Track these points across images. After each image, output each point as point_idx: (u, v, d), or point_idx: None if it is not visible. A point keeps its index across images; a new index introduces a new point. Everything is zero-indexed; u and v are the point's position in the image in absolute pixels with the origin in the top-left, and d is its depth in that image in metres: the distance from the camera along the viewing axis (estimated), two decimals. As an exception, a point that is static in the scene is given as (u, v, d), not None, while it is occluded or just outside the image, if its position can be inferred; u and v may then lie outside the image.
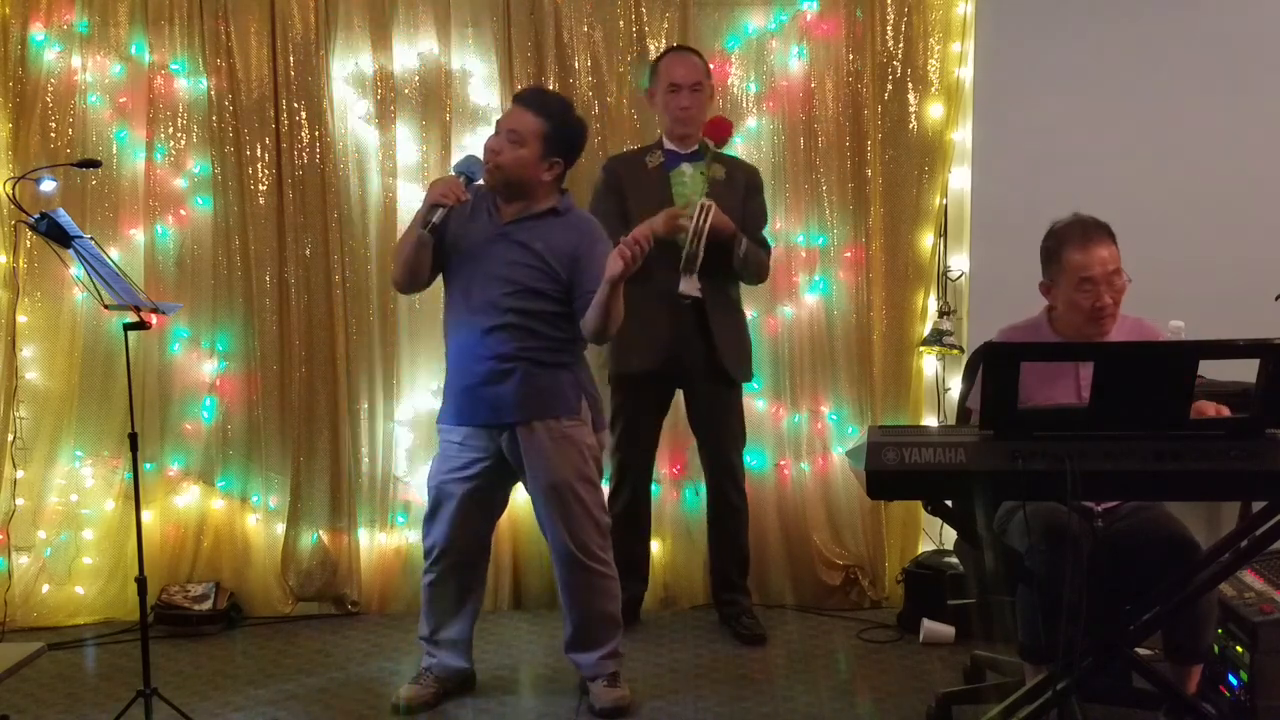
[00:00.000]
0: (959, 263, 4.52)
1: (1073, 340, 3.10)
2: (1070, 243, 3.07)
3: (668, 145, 4.04)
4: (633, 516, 4.16)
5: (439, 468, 3.51)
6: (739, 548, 4.20)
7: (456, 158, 3.79)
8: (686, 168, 3.99)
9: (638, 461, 4.12)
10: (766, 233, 4.16)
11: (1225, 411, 2.86)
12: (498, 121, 3.47)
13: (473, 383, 3.39)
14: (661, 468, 4.42)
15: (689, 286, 3.83)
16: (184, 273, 4.48)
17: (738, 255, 3.91)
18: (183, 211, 4.49)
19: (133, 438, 3.34)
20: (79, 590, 4.45)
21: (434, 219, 3.29)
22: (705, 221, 3.75)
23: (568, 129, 3.41)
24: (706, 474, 4.21)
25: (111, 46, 4.43)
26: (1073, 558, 2.68)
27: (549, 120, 3.35)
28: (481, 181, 3.42)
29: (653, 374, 3.99)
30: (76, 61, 4.41)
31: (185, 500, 4.53)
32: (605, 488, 4.32)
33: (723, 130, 4.01)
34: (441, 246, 3.44)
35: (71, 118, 4.41)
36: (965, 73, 4.44)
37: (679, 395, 4.19)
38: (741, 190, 4.03)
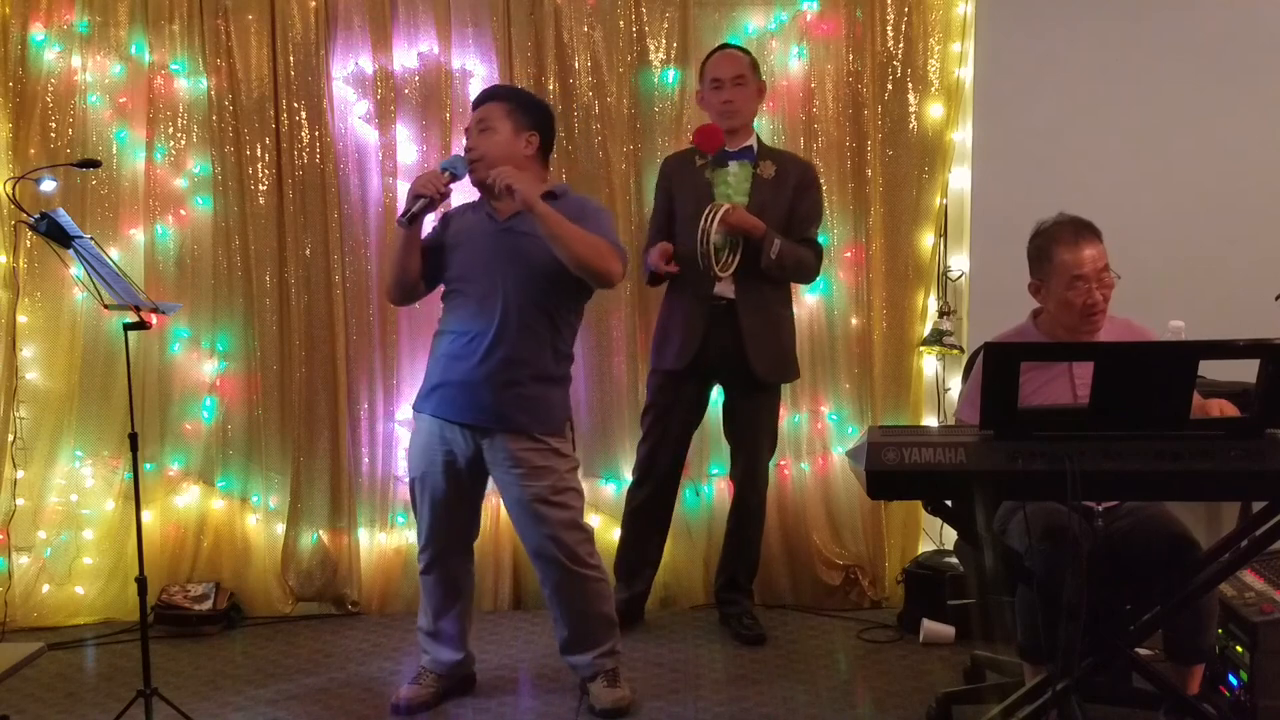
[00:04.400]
0: (959, 263, 4.52)
1: (1061, 341, 3.11)
2: (1060, 242, 3.09)
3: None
4: (652, 513, 4.16)
5: (418, 459, 3.49)
6: (750, 553, 4.20)
7: (456, 158, 3.80)
8: (731, 165, 3.98)
9: (665, 458, 4.10)
10: (822, 236, 4.13)
11: (1231, 409, 2.86)
12: (465, 130, 3.49)
13: (472, 380, 3.37)
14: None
15: (722, 288, 3.89)
16: (184, 273, 4.48)
17: (767, 255, 3.86)
18: (183, 211, 4.49)
19: (133, 438, 3.34)
20: (79, 590, 4.45)
21: (415, 209, 3.29)
22: (712, 223, 3.76)
23: (530, 100, 3.51)
24: (732, 475, 4.21)
25: (111, 46, 4.43)
26: (1073, 558, 2.68)
27: (508, 99, 3.45)
28: (467, 178, 3.42)
29: (686, 372, 3.98)
30: (76, 61, 4.42)
31: (185, 500, 4.53)
32: (609, 486, 4.36)
33: (709, 140, 3.94)
34: (436, 252, 3.44)
35: (71, 118, 4.41)
36: (965, 73, 4.44)
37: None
38: (790, 189, 3.99)
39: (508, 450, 3.36)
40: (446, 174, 3.35)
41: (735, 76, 3.96)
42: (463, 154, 3.44)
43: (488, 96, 3.49)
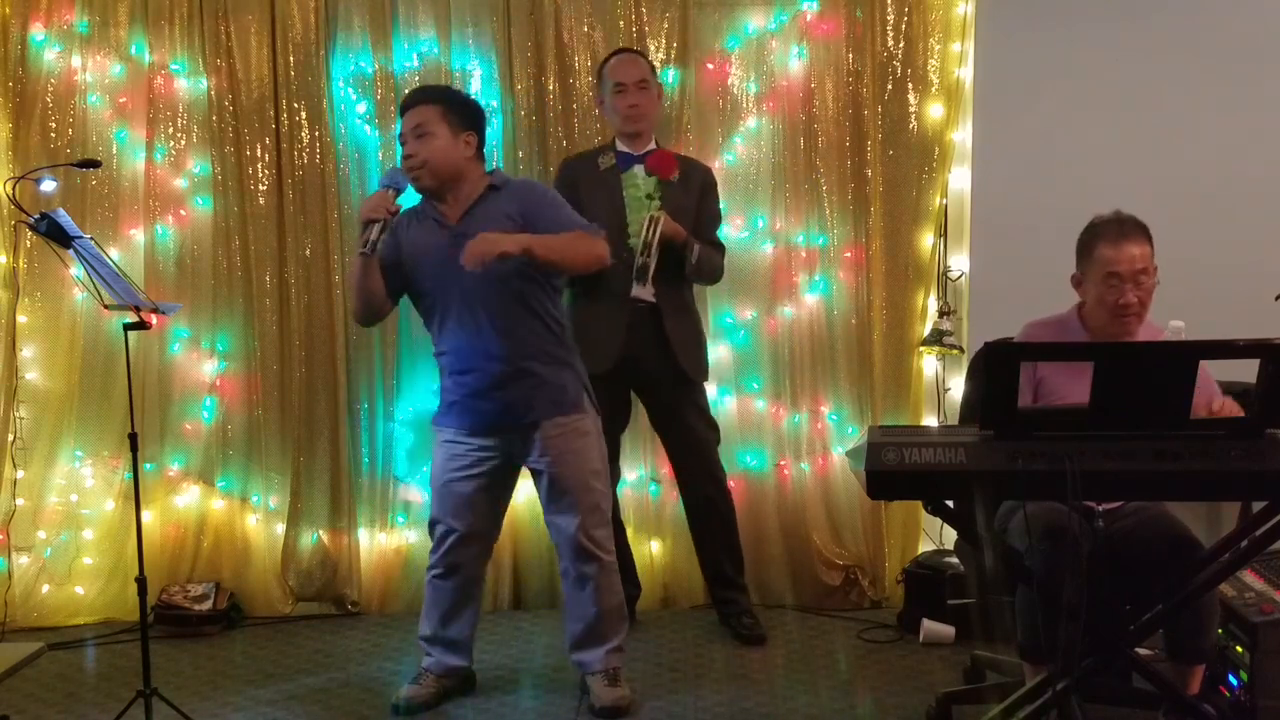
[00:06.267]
0: (959, 263, 4.52)
1: (1102, 338, 3.11)
2: (1104, 237, 3.09)
3: (620, 147, 4.02)
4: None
5: (444, 467, 3.50)
6: (730, 544, 4.18)
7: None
8: (639, 170, 3.98)
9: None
10: (721, 233, 4.15)
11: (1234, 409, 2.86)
12: (399, 136, 3.44)
13: (483, 387, 3.37)
14: (661, 468, 4.43)
15: (642, 292, 3.83)
16: (184, 273, 4.48)
17: (690, 262, 3.92)
18: (183, 211, 4.49)
19: (133, 438, 3.34)
20: (79, 590, 4.45)
21: (371, 236, 3.26)
22: (654, 234, 3.78)
23: (461, 100, 3.45)
24: (679, 475, 4.19)
25: (111, 46, 4.43)
26: (1073, 558, 2.68)
27: (440, 102, 3.38)
28: (410, 188, 3.39)
29: (605, 377, 3.89)
30: (76, 61, 4.41)
31: (185, 500, 4.53)
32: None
33: (666, 165, 3.95)
34: (395, 265, 3.42)
35: (71, 118, 4.41)
36: (965, 73, 4.44)
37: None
38: (696, 192, 4.02)
39: (535, 440, 3.39)
40: (391, 191, 3.33)
41: (639, 80, 3.96)
42: (400, 165, 3.41)
43: (418, 100, 3.40)
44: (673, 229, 3.86)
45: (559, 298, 3.49)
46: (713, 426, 4.18)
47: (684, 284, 4.05)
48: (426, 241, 3.40)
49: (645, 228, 3.80)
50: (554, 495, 3.45)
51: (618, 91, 3.97)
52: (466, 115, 3.39)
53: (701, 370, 4.13)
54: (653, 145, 4.04)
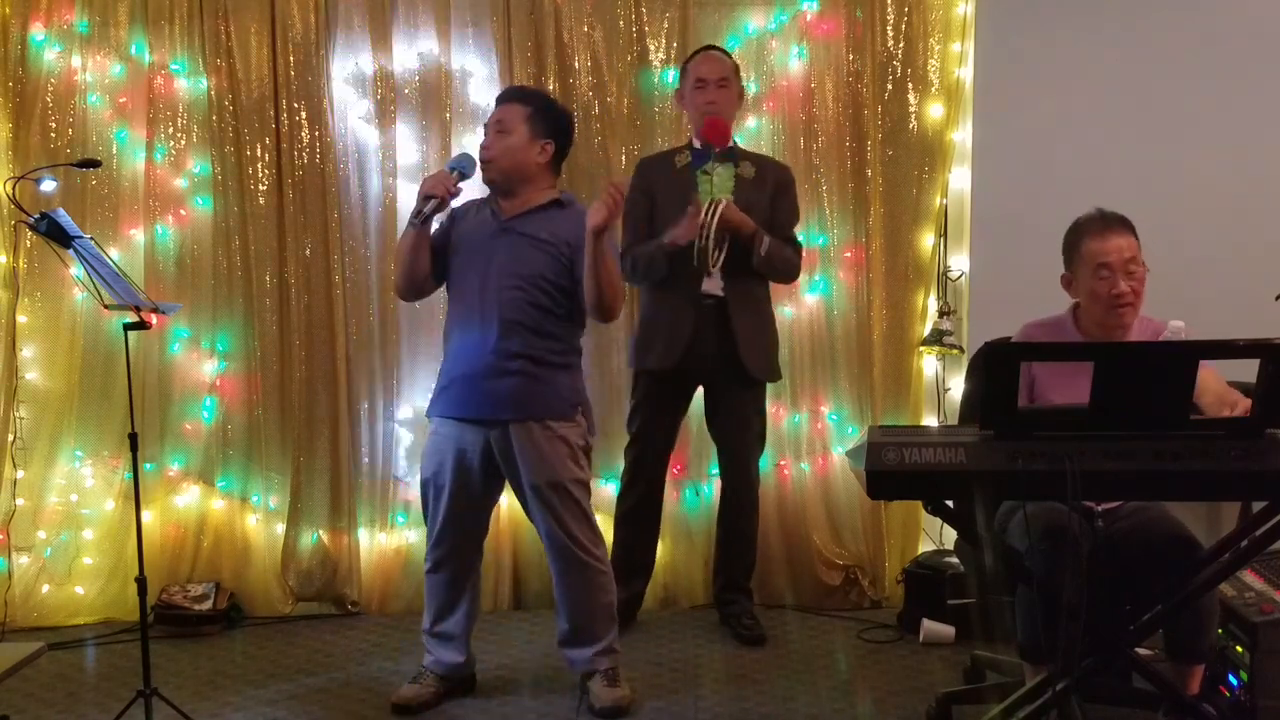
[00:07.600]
0: (959, 263, 4.52)
1: (1098, 337, 3.10)
2: (1088, 232, 3.09)
3: (696, 145, 4.03)
4: (643, 514, 4.16)
5: (429, 462, 3.52)
6: (747, 552, 4.20)
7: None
8: (714, 166, 3.98)
9: (652, 459, 4.11)
10: (799, 231, 4.15)
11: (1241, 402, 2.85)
12: (485, 125, 3.52)
13: (472, 374, 3.40)
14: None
15: (711, 286, 3.87)
16: (184, 273, 4.48)
17: (758, 254, 3.89)
18: (183, 211, 4.49)
19: (133, 438, 3.34)
20: (79, 590, 4.45)
21: (426, 209, 3.33)
22: (713, 217, 3.76)
23: (552, 109, 3.51)
24: (721, 474, 4.21)
25: (111, 46, 4.43)
26: (1073, 558, 2.68)
27: (531, 104, 3.46)
28: (473, 175, 3.46)
29: (671, 371, 3.98)
30: (76, 61, 4.41)
31: (185, 500, 4.53)
32: (609, 486, 4.36)
33: (718, 133, 3.92)
34: (444, 249, 3.47)
35: (71, 118, 4.41)
36: (965, 73, 4.44)
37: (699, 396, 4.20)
38: (770, 189, 4.02)
39: (515, 439, 3.39)
40: (455, 174, 3.40)
41: (720, 79, 3.97)
42: (475, 152, 3.49)
43: (511, 97, 3.53)
44: (739, 218, 3.84)
45: (577, 312, 3.47)
46: (761, 436, 4.16)
47: (755, 280, 4.01)
48: (476, 230, 3.47)
49: (705, 210, 3.77)
50: (528, 498, 3.45)
51: (698, 88, 3.97)
52: (550, 124, 3.45)
53: (766, 370, 4.08)
54: (731, 143, 4.04)
